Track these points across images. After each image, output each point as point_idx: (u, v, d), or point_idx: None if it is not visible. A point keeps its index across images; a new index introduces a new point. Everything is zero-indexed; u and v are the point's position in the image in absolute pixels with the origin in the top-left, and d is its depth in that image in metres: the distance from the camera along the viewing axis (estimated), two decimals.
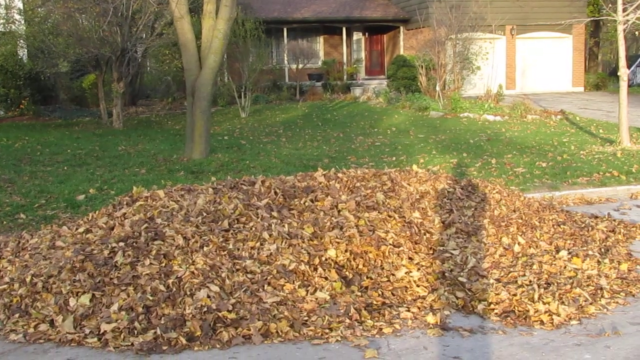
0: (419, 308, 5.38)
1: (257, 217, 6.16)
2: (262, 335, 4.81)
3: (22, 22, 21.53)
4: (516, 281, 5.78)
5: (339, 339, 4.81)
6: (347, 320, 5.06)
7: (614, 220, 8.14)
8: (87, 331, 4.86)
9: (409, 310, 5.31)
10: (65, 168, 11.77)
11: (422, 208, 6.94)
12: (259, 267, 5.50)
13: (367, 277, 5.74)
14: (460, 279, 5.77)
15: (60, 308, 5.08)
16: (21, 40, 21.80)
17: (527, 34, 27.34)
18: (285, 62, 27.73)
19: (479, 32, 23.44)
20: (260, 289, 5.28)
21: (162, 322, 4.87)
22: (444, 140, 14.93)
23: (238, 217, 6.16)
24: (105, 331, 4.79)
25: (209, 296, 5.09)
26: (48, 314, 5.07)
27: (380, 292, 5.57)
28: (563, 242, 6.81)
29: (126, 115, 21.12)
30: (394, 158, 12.65)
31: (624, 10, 13.88)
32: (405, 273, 5.84)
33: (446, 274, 5.88)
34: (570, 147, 13.84)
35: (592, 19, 21.76)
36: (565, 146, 14.01)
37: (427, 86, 22.88)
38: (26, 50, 22.12)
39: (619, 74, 14.25)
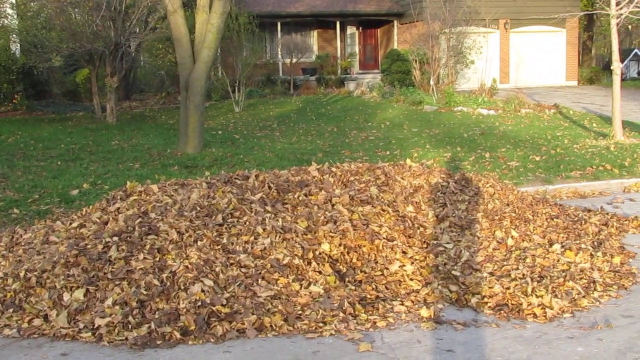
0: (412, 302, 5.40)
1: (251, 212, 6.16)
2: (256, 329, 4.82)
3: (15, 16, 21.44)
4: (509, 274, 5.81)
5: (333, 332, 4.83)
6: (341, 314, 5.07)
7: (607, 213, 8.18)
8: (81, 326, 4.86)
9: (402, 304, 5.33)
10: (59, 163, 11.73)
11: (416, 202, 6.96)
12: (252, 262, 5.51)
13: (361, 271, 5.76)
14: (453, 272, 5.79)
15: (54, 303, 5.08)
16: (14, 35, 21.71)
17: (521, 27, 27.34)
18: (279, 56, 27.69)
19: (473, 26, 23.42)
20: (254, 283, 5.28)
21: (156, 316, 4.88)
22: (438, 134, 14.94)
23: (232, 211, 6.16)
24: (99, 326, 4.79)
25: (203, 290, 5.09)
26: (42, 309, 5.06)
27: (374, 286, 5.58)
28: (556, 235, 6.83)
29: (120, 109, 21.05)
30: (387, 152, 12.66)
31: (617, 4, 13.90)
32: (399, 267, 5.85)
33: (440, 268, 5.90)
34: (563, 141, 13.87)
35: (585, 12, 21.78)
36: (558, 140, 14.04)
37: (421, 80, 22.87)
38: (19, 45, 22.03)
39: (612, 67, 14.28)
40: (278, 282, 5.36)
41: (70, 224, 6.34)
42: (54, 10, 18.94)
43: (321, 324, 4.94)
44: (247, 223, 5.98)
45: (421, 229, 6.50)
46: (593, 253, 6.37)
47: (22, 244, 6.30)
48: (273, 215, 6.14)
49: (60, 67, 24.30)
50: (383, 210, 6.57)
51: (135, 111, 22.43)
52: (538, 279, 5.72)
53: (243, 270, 5.42)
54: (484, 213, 7.08)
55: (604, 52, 42.44)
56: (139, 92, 28.08)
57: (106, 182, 9.92)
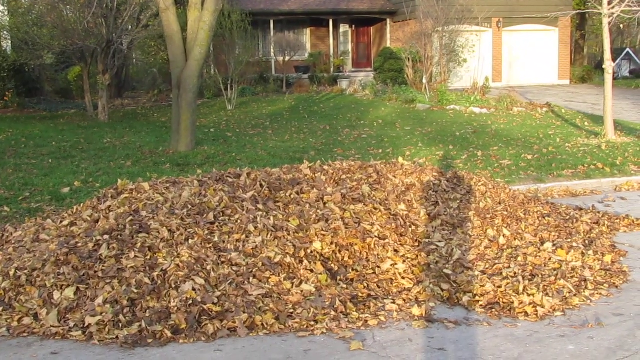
0: (404, 300, 5.40)
1: (243, 210, 6.15)
2: (247, 328, 4.81)
3: (6, 13, 21.36)
4: (501, 273, 5.81)
5: (325, 331, 4.82)
6: (333, 313, 5.06)
7: (599, 212, 8.20)
8: (72, 324, 4.83)
9: (394, 303, 5.32)
10: (50, 161, 11.68)
11: (408, 200, 6.96)
12: (244, 260, 5.50)
13: (353, 270, 5.75)
14: (445, 271, 5.79)
15: (45, 301, 5.05)
16: (5, 32, 21.63)
17: (514, 26, 27.40)
18: (272, 54, 27.64)
19: (466, 25, 23.45)
20: (246, 282, 5.27)
21: (147, 315, 4.86)
22: (430, 133, 14.95)
23: (223, 209, 6.14)
24: (89, 324, 4.77)
25: (194, 289, 5.07)
26: (32, 308, 5.04)
27: (365, 285, 5.57)
28: (548, 234, 6.85)
29: (112, 107, 20.98)
30: (380, 150, 12.66)
31: (609, 3, 13.93)
32: (391, 265, 5.85)
33: (431, 266, 5.90)
34: (555, 140, 13.90)
35: (578, 11, 21.82)
36: (550, 139, 14.07)
37: (414, 79, 22.88)
38: (10, 42, 21.95)
39: (604, 66, 14.31)
40: (269, 280, 5.35)
41: (61, 222, 6.31)
42: (46, 7, 18.88)
43: (312, 323, 4.93)
44: (239, 221, 5.96)
45: (413, 227, 6.50)
46: (584, 252, 6.38)
47: (12, 242, 6.26)
48: (265, 214, 6.12)
49: (52, 64, 24.24)
50: (375, 209, 6.56)
51: (128, 109, 22.36)
52: (529, 277, 5.72)
53: (234, 268, 5.41)
54: (475, 211, 7.08)
55: (596, 51, 42.55)
56: (131, 90, 28.01)
57: (97, 180, 9.87)
